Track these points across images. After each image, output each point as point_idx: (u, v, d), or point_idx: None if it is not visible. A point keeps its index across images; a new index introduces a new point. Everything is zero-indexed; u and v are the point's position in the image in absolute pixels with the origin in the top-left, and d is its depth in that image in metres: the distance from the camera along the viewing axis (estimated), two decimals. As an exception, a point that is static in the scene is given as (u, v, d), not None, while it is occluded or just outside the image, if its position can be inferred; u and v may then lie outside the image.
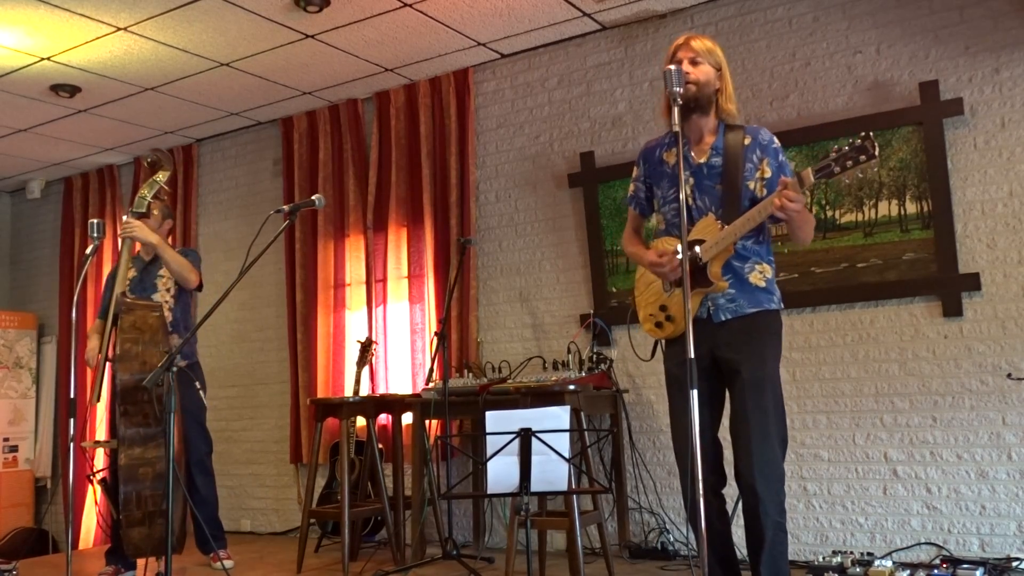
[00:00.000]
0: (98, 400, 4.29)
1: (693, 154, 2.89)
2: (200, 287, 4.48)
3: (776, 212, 2.65)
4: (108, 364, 4.23)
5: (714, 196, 2.83)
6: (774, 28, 4.50)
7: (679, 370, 2.74)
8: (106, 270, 6.80)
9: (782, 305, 2.91)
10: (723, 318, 2.81)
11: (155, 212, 4.47)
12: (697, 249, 2.80)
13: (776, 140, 2.90)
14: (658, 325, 2.96)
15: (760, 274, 2.85)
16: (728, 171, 2.82)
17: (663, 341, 3.01)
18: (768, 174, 2.83)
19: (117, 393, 3.84)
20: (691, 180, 2.87)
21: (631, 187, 3.11)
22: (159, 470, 3.73)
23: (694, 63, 2.83)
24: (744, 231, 2.75)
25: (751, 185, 2.83)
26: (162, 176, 4.46)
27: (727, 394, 2.88)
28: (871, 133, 2.58)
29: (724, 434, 2.89)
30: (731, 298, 2.81)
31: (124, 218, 4.38)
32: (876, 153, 2.55)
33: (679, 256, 2.71)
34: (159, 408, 3.69)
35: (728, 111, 2.88)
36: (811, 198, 4.23)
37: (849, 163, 2.58)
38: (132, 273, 4.43)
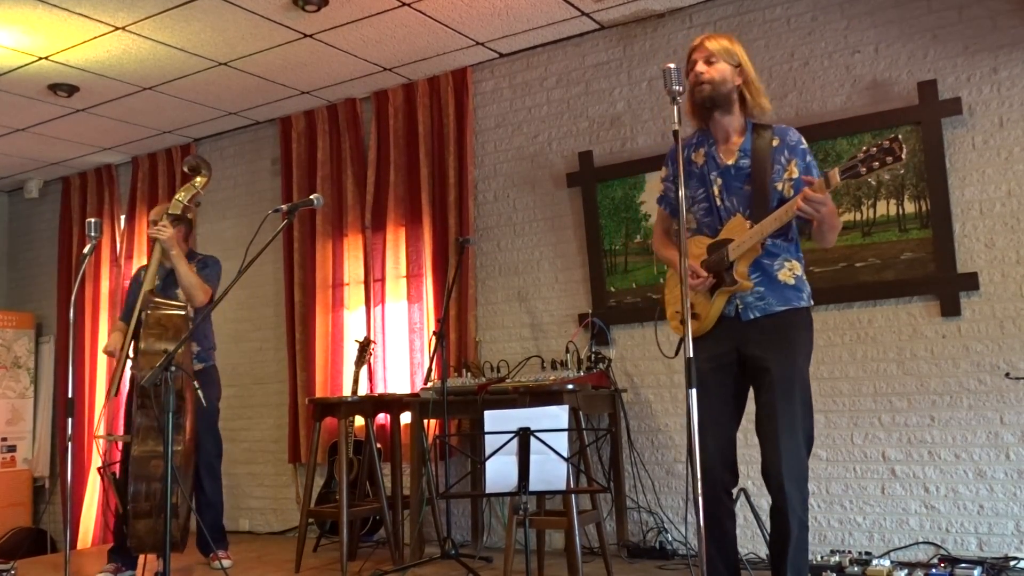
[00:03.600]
0: (115, 395, 4.31)
1: (721, 154, 2.89)
2: (210, 302, 4.44)
3: (798, 211, 2.65)
4: (123, 360, 4.27)
5: (742, 197, 2.83)
6: (772, 27, 4.50)
7: (703, 367, 2.73)
8: (104, 270, 6.81)
9: (812, 302, 2.88)
10: (752, 316, 2.80)
11: (190, 216, 4.50)
12: (723, 249, 2.80)
13: (804, 141, 2.89)
14: (683, 323, 2.96)
15: (789, 271, 2.83)
16: (756, 173, 2.81)
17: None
18: (795, 175, 2.82)
19: (135, 387, 3.88)
20: (719, 181, 2.87)
21: (661, 187, 3.11)
22: (165, 466, 3.76)
23: (708, 62, 2.83)
24: (771, 230, 2.75)
25: (779, 186, 2.82)
26: (200, 181, 4.48)
27: (750, 393, 2.87)
28: (899, 136, 2.59)
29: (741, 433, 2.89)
30: (760, 296, 2.80)
31: (154, 218, 4.41)
32: (903, 156, 2.55)
33: (710, 276, 2.80)
34: (157, 407, 3.71)
35: (760, 106, 2.86)
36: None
37: (876, 164, 2.59)
38: (156, 281, 4.42)
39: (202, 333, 4.46)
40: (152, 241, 4.39)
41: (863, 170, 2.60)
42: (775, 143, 2.84)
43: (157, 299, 4.13)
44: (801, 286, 2.85)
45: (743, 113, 2.89)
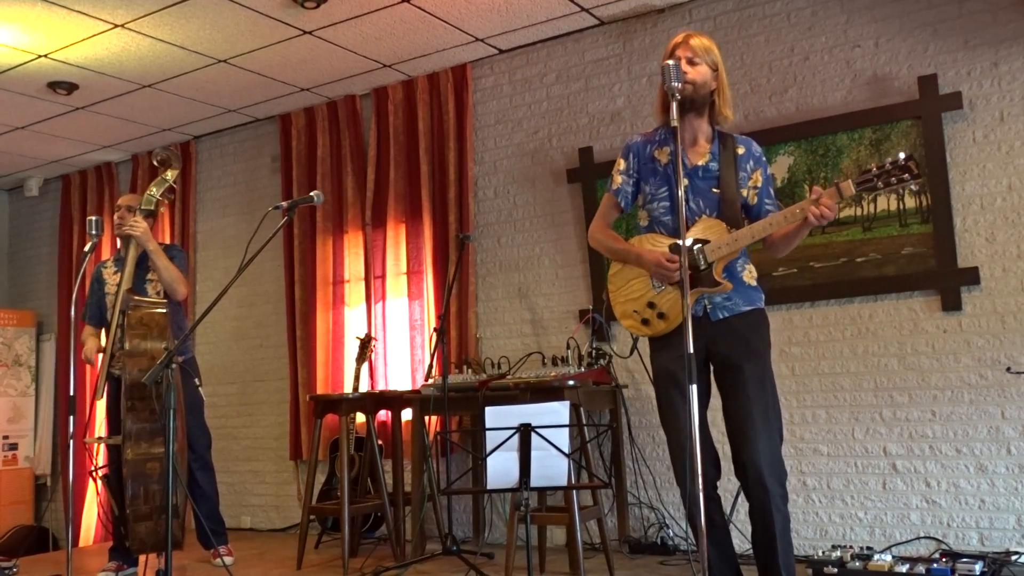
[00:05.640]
0: (100, 397, 4.29)
1: (689, 156, 2.90)
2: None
3: (812, 219, 2.68)
4: (105, 361, 4.25)
5: (709, 199, 2.86)
6: (772, 23, 4.49)
7: (673, 366, 2.75)
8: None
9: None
10: (720, 316, 2.83)
11: (162, 210, 4.48)
12: (698, 248, 2.80)
13: (764, 155, 2.98)
14: (644, 322, 2.92)
15: (750, 273, 2.90)
16: (725, 176, 2.86)
17: (646, 338, 3.01)
18: (760, 183, 2.91)
19: (124, 389, 3.86)
20: (685, 181, 2.87)
21: (617, 179, 3.04)
22: (166, 465, 3.75)
23: (691, 63, 2.83)
24: (766, 234, 2.79)
25: (744, 192, 2.89)
26: (171, 174, 4.46)
27: (713, 391, 2.91)
28: (913, 154, 2.66)
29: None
30: (727, 296, 2.83)
31: (116, 213, 4.38)
32: (920, 173, 2.63)
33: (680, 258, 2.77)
34: (158, 405, 3.71)
35: (725, 116, 2.91)
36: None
37: (894, 180, 2.67)
38: (118, 277, 4.40)
39: (177, 325, 4.43)
40: (125, 239, 4.37)
41: (880, 185, 2.68)
42: (740, 151, 2.91)
43: (137, 298, 4.10)
44: (759, 287, 2.92)
45: (711, 119, 2.92)
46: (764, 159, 2.96)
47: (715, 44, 2.91)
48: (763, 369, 2.80)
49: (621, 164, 3.05)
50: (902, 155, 2.64)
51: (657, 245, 2.88)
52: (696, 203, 2.87)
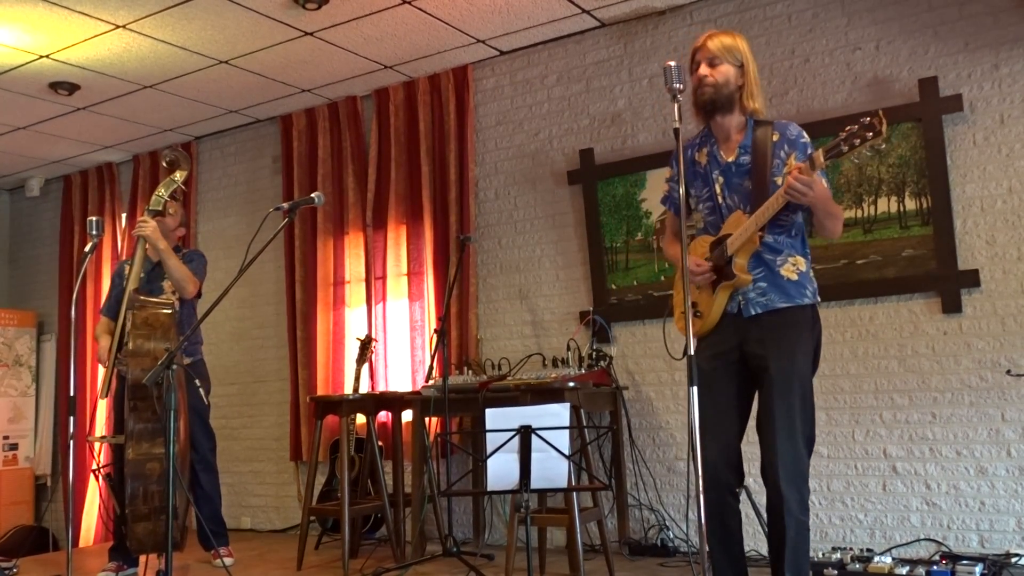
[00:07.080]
0: (106, 395, 4.30)
1: (722, 152, 2.88)
2: (199, 295, 4.47)
3: (786, 193, 2.62)
4: (111, 359, 4.25)
5: (743, 193, 2.82)
6: (773, 24, 4.49)
7: (706, 365, 2.74)
8: (105, 268, 6.82)
9: (817, 299, 2.84)
10: (753, 312, 2.78)
11: (171, 212, 4.49)
12: (722, 245, 2.80)
13: (805, 135, 2.86)
14: (683, 317, 2.97)
15: (793, 267, 2.80)
16: (757, 168, 2.80)
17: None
18: None
19: (127, 388, 3.86)
20: (720, 179, 2.86)
21: (665, 187, 3.11)
22: (167, 466, 3.75)
23: (712, 64, 2.81)
24: (764, 220, 2.72)
25: (779, 181, 2.78)
26: (180, 175, 4.48)
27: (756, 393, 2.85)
28: (880, 111, 2.56)
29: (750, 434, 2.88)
30: (762, 292, 2.78)
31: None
32: (883, 130, 2.51)
33: (708, 263, 2.80)
34: (159, 405, 3.71)
35: (753, 110, 2.85)
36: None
37: (857, 141, 2.56)
38: (141, 275, 4.41)
39: (188, 327, 4.45)
40: (135, 239, 4.38)
41: (844, 148, 2.59)
42: (775, 138, 2.83)
43: (143, 298, 4.10)
44: (805, 282, 2.81)
45: (743, 111, 2.87)
46: (804, 140, 2.83)
47: (741, 38, 2.84)
48: (792, 369, 2.71)
49: (668, 172, 3.09)
50: (869, 114, 2.55)
51: (703, 247, 2.89)
52: (732, 199, 2.84)
